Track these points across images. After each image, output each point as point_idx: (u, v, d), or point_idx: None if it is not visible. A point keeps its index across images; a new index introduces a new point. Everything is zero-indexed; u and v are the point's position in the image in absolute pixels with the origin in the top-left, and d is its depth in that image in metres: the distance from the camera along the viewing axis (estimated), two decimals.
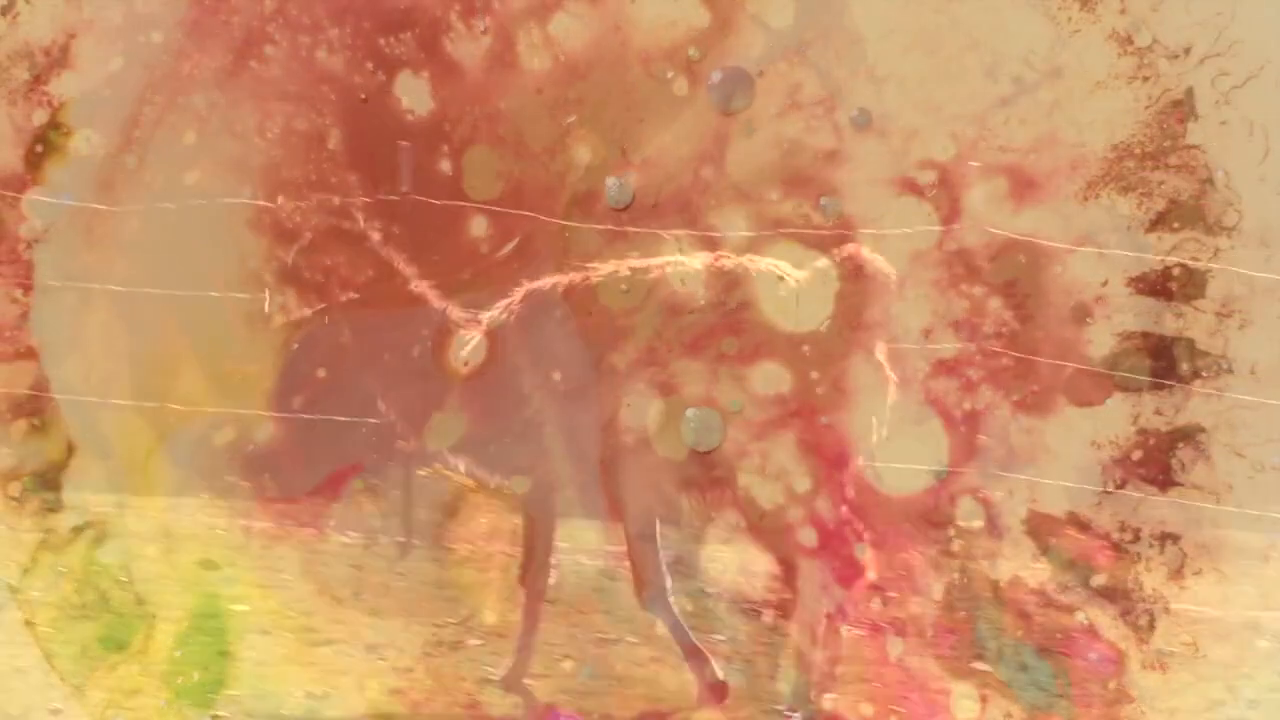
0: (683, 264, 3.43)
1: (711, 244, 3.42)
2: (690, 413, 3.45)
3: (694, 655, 3.53)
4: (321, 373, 3.56)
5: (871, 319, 3.39)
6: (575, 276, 3.45)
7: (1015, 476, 3.39)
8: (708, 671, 3.53)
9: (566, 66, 3.43)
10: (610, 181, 3.42)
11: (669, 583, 3.53)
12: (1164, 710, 3.36)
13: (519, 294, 3.48)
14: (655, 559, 3.52)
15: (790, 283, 3.40)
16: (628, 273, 3.44)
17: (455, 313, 3.50)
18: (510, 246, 3.46)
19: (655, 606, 3.53)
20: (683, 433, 3.46)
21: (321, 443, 3.59)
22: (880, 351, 3.39)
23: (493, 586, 3.57)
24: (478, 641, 3.58)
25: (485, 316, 3.49)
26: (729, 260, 3.41)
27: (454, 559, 3.59)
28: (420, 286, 3.54)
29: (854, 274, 3.39)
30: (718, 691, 3.53)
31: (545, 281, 3.46)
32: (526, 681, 3.56)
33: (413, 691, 3.53)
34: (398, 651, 3.58)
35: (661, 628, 3.54)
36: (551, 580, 3.56)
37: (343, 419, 3.56)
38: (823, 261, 3.40)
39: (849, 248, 3.39)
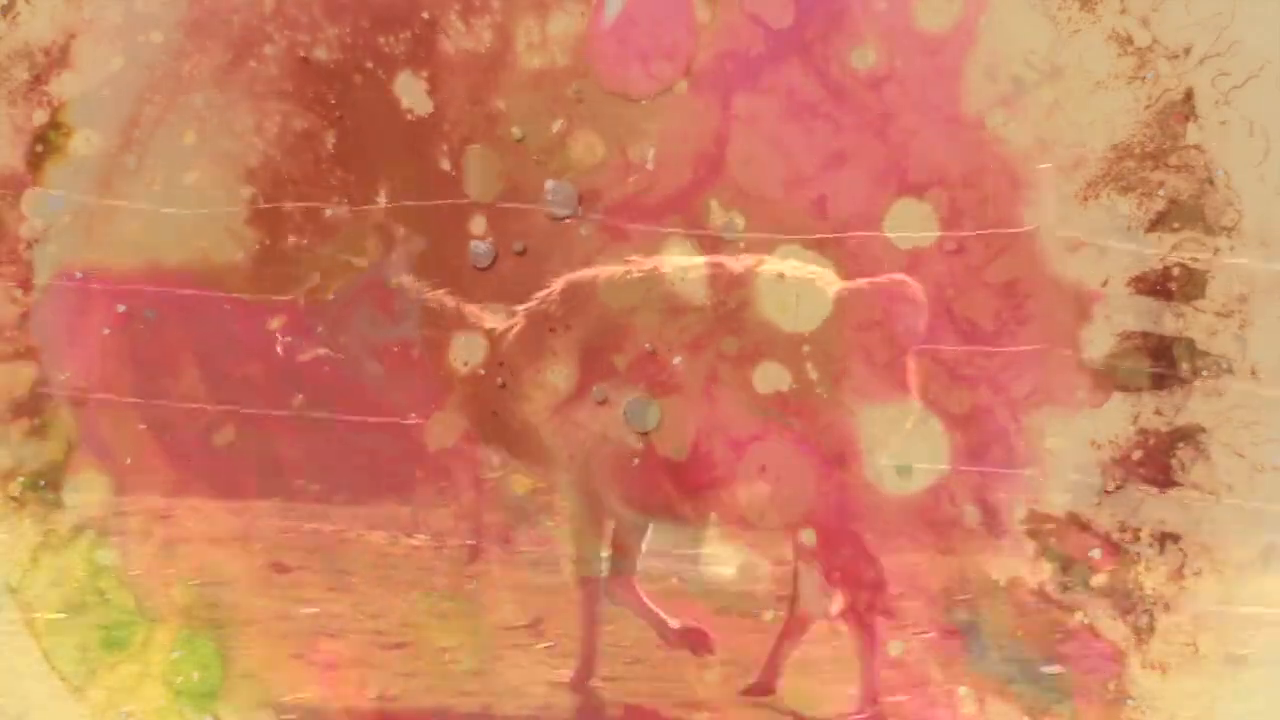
0: (683, 264, 3.43)
1: (712, 244, 3.42)
2: (628, 400, 3.44)
3: (668, 630, 3.51)
4: (321, 372, 3.57)
5: (872, 319, 3.39)
6: (615, 270, 3.44)
7: (1015, 475, 3.39)
8: (688, 629, 3.49)
9: (566, 65, 3.44)
10: (476, 243, 3.45)
11: (637, 570, 3.50)
12: (1164, 710, 3.36)
13: (558, 285, 3.48)
14: (634, 554, 3.51)
15: (790, 282, 3.40)
16: (640, 274, 3.44)
17: (469, 309, 3.52)
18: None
19: (618, 596, 3.51)
20: (626, 416, 3.44)
21: (325, 443, 3.59)
22: (881, 352, 3.39)
23: (552, 589, 3.57)
24: (546, 645, 3.58)
25: (521, 308, 3.50)
26: (729, 260, 3.41)
27: (522, 561, 3.59)
28: (423, 286, 3.55)
29: (854, 274, 3.39)
30: (700, 640, 3.50)
31: (586, 273, 3.46)
32: (593, 684, 3.52)
33: (483, 695, 3.51)
34: (469, 653, 3.57)
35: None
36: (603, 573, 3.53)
37: (347, 419, 3.57)
38: (823, 262, 3.40)
39: (848, 248, 3.39)
